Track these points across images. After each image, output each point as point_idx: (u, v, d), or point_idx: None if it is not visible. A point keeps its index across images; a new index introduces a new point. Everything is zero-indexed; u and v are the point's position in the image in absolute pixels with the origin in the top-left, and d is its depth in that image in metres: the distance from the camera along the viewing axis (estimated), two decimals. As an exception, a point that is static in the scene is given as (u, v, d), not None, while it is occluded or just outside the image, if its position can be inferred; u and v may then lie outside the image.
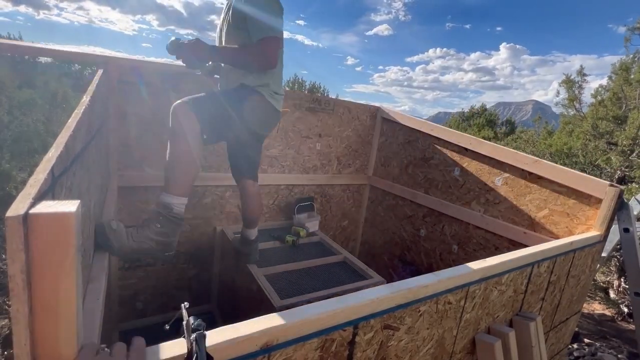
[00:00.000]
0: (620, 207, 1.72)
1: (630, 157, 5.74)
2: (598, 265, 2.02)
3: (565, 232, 1.85)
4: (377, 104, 3.01)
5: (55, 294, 0.47)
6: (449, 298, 1.11)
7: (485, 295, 1.26)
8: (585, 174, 1.80)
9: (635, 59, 6.74)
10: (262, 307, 1.64)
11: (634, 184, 5.22)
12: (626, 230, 1.77)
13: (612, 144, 6.21)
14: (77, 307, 0.49)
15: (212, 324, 0.64)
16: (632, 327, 3.31)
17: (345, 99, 2.95)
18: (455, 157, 2.38)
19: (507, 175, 2.09)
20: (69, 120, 0.85)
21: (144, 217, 1.52)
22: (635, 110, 6.08)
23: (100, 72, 1.54)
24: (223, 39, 1.64)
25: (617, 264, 4.05)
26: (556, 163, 3.26)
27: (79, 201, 0.49)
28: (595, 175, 4.00)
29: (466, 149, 2.29)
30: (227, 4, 1.64)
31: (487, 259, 1.25)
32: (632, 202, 2.05)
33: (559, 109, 7.81)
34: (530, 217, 1.98)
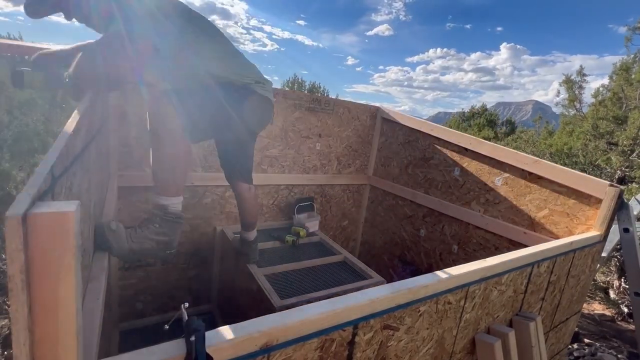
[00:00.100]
0: (620, 207, 1.72)
1: (630, 157, 5.74)
2: (598, 265, 2.02)
3: (565, 232, 1.85)
4: (377, 104, 3.01)
5: (55, 294, 0.47)
6: (448, 298, 1.11)
7: (485, 295, 1.26)
8: (585, 174, 1.80)
9: (636, 58, 6.74)
10: (262, 307, 1.64)
11: (634, 184, 5.22)
12: (626, 230, 1.77)
13: (612, 144, 6.21)
14: (76, 307, 0.49)
15: (212, 324, 0.64)
16: (632, 327, 3.30)
17: (345, 99, 2.95)
18: (455, 157, 2.37)
19: (507, 175, 2.09)
20: (69, 120, 0.85)
21: (144, 217, 1.47)
22: (635, 110, 6.08)
23: None
24: None
25: (617, 264, 4.05)
26: (556, 163, 3.26)
27: (79, 201, 0.49)
28: (596, 175, 4.00)
29: (466, 149, 2.29)
30: None
31: (487, 259, 1.25)
32: (632, 202, 2.05)
33: (559, 109, 7.82)
34: (530, 217, 1.98)
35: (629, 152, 5.78)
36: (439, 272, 1.09)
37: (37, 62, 1.36)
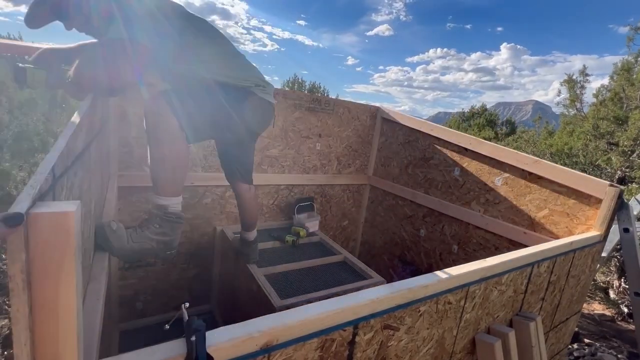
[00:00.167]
0: (620, 207, 1.72)
1: (630, 158, 5.74)
2: (598, 265, 2.02)
3: (565, 232, 1.85)
4: (377, 104, 3.01)
5: (55, 294, 0.47)
6: (449, 298, 1.11)
7: (485, 295, 1.26)
8: (585, 174, 1.80)
9: (638, 59, 6.74)
10: (262, 307, 1.64)
11: (634, 184, 5.22)
12: (626, 230, 1.77)
13: (612, 144, 6.21)
14: (77, 307, 0.49)
15: (212, 324, 0.64)
16: (632, 327, 3.30)
17: (345, 99, 2.95)
18: (455, 157, 2.37)
19: (507, 175, 2.09)
20: (70, 120, 0.85)
21: (144, 217, 1.49)
22: (636, 110, 6.08)
23: None
24: None
25: (617, 264, 4.05)
26: (557, 163, 3.26)
27: (79, 201, 0.49)
28: (596, 176, 4.00)
29: (466, 149, 2.29)
30: None
31: (487, 259, 1.25)
32: (632, 202, 2.05)
33: (560, 109, 7.82)
34: (530, 217, 1.98)
35: (629, 152, 5.78)
36: (439, 272, 1.09)
37: (40, 59, 1.36)
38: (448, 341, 1.20)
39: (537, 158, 1.97)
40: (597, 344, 2.93)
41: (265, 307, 1.60)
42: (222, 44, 1.52)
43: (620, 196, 1.68)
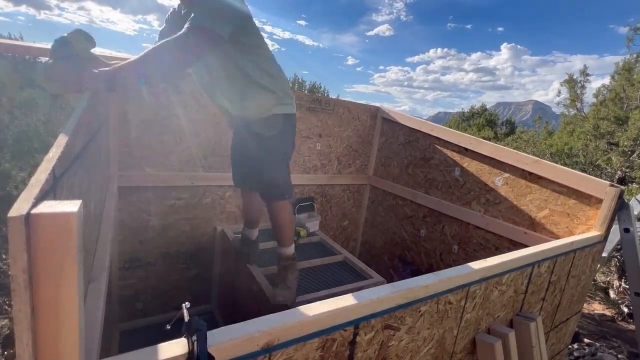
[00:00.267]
0: (621, 207, 1.72)
1: (631, 158, 5.74)
2: (598, 265, 2.02)
3: (566, 232, 1.85)
4: (377, 104, 3.01)
5: (57, 294, 0.47)
6: (449, 298, 1.11)
7: (486, 295, 1.26)
8: (585, 174, 1.80)
9: (638, 59, 6.74)
10: (262, 307, 1.64)
11: (634, 184, 5.22)
12: (626, 230, 1.77)
13: (613, 144, 6.21)
14: (78, 306, 0.49)
15: (212, 324, 0.64)
16: (632, 327, 3.30)
17: (346, 99, 2.95)
18: (456, 157, 2.38)
19: (507, 175, 2.09)
20: (69, 120, 0.85)
21: (279, 271, 1.69)
22: (637, 110, 6.08)
23: None
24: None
25: (618, 264, 4.05)
26: (557, 163, 3.26)
27: (81, 201, 0.49)
28: (596, 176, 3.99)
29: (466, 149, 2.29)
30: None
31: (488, 259, 1.25)
32: (633, 203, 2.05)
33: (560, 109, 7.82)
34: (531, 217, 1.98)
35: (629, 152, 5.78)
36: (439, 272, 1.09)
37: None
38: (448, 341, 1.20)
39: (538, 158, 1.97)
40: (597, 344, 2.93)
41: (265, 307, 1.60)
42: (266, 47, 1.50)
43: (620, 196, 1.68)
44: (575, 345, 2.87)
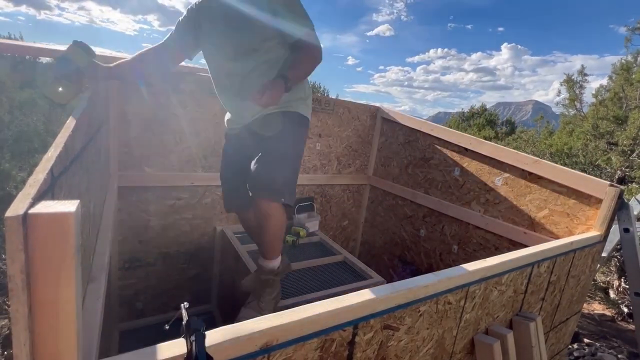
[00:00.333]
0: (621, 207, 1.71)
1: (630, 157, 5.74)
2: (598, 265, 2.02)
3: (566, 232, 1.85)
4: (377, 104, 3.01)
5: (55, 294, 0.47)
6: (448, 298, 1.11)
7: (485, 295, 1.26)
8: (585, 174, 1.80)
9: (637, 59, 6.74)
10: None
11: (634, 184, 5.21)
12: (626, 230, 1.77)
13: (612, 144, 6.21)
14: (76, 307, 0.49)
15: (212, 324, 0.64)
16: (632, 327, 3.30)
17: (346, 99, 2.95)
18: (455, 157, 2.37)
19: (507, 175, 2.09)
20: (68, 120, 0.85)
21: (257, 286, 1.47)
22: (636, 110, 6.08)
23: None
24: (220, 48, 1.43)
25: (617, 264, 4.05)
26: (556, 163, 3.26)
27: (79, 201, 0.49)
28: (596, 175, 3.99)
29: (466, 149, 2.29)
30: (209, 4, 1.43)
31: (487, 259, 1.25)
32: (632, 202, 2.05)
33: (560, 109, 7.82)
34: (531, 217, 1.98)
35: (629, 152, 5.78)
36: (439, 272, 1.09)
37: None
38: (448, 341, 1.20)
39: (537, 158, 1.97)
40: (597, 344, 2.93)
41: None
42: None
43: (620, 196, 1.68)
44: (575, 345, 2.87)
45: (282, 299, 1.59)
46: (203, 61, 1.58)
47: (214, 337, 0.67)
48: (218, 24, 1.40)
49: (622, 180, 5.74)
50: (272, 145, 1.38)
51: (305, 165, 2.69)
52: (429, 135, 2.54)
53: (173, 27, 1.55)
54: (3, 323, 2.34)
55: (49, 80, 1.19)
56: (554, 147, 7.20)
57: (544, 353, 1.49)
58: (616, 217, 1.74)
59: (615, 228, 1.79)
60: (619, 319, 3.49)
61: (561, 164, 3.48)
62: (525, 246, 1.73)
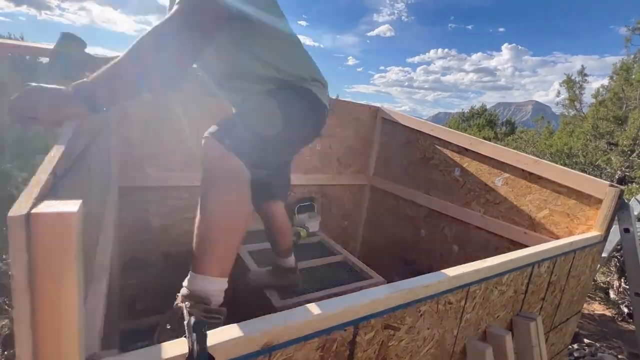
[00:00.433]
0: (621, 207, 1.72)
1: (630, 158, 5.74)
2: (598, 265, 2.02)
3: (566, 233, 1.85)
4: (377, 104, 3.01)
5: (57, 294, 0.47)
6: (449, 298, 1.11)
7: (486, 295, 1.26)
8: (585, 174, 1.80)
9: (636, 59, 6.75)
10: (262, 307, 1.64)
11: (634, 184, 5.22)
12: (626, 230, 1.77)
13: (612, 144, 6.21)
14: (78, 307, 0.49)
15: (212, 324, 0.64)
16: (632, 327, 3.30)
17: (346, 99, 2.95)
18: (456, 157, 2.38)
19: (507, 175, 2.09)
20: (72, 121, 0.85)
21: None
22: (635, 110, 6.08)
23: None
24: None
25: (618, 264, 4.05)
26: (556, 163, 3.26)
27: (81, 201, 0.49)
28: (596, 176, 4.00)
29: (466, 149, 2.29)
30: None
31: (488, 259, 1.25)
32: (633, 203, 2.05)
33: (560, 109, 7.84)
34: (531, 217, 1.98)
35: (629, 152, 5.78)
36: (439, 272, 1.09)
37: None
38: (448, 341, 1.20)
39: (537, 158, 1.97)
40: (598, 344, 2.93)
41: (265, 307, 1.60)
42: (282, 23, 1.14)
43: (620, 196, 1.69)
44: (575, 346, 2.87)
45: (282, 299, 1.59)
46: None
47: (215, 336, 0.67)
48: None
49: (622, 181, 5.74)
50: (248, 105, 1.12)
51: (305, 166, 2.69)
52: (429, 135, 2.54)
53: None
54: (3, 323, 2.34)
55: (50, 79, 1.15)
56: (554, 148, 7.21)
57: (544, 353, 1.49)
58: (616, 217, 1.74)
59: (615, 228, 1.79)
60: (619, 319, 3.49)
61: (561, 164, 3.48)
62: (526, 246, 1.73)
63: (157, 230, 2.15)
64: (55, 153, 0.64)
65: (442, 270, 1.11)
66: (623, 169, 5.82)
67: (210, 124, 1.14)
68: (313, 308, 0.82)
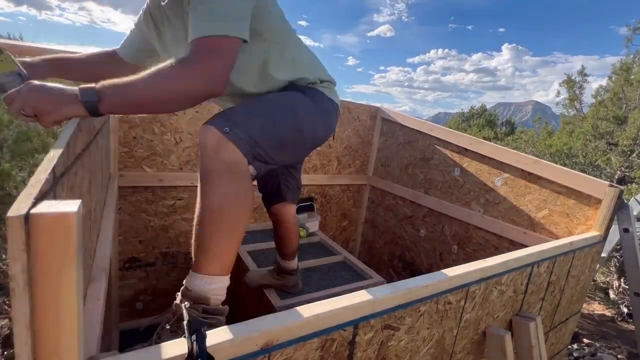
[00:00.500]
0: (620, 207, 1.72)
1: (630, 158, 5.74)
2: (598, 265, 2.02)
3: (565, 233, 1.85)
4: (377, 105, 3.01)
5: (56, 294, 0.47)
6: (449, 298, 1.11)
7: (485, 295, 1.26)
8: (585, 174, 1.80)
9: (636, 59, 6.75)
10: (262, 307, 1.64)
11: (633, 184, 5.22)
12: (626, 230, 1.77)
13: (612, 144, 6.22)
14: (77, 307, 0.49)
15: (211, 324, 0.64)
16: (632, 327, 3.30)
17: (346, 99, 2.95)
18: (455, 157, 2.38)
19: (507, 175, 2.10)
20: (71, 120, 0.85)
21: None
22: (635, 110, 6.09)
23: None
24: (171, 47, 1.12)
25: (617, 264, 4.05)
26: (556, 163, 3.26)
27: (80, 201, 0.49)
28: (595, 176, 4.00)
29: (466, 149, 2.29)
30: None
31: (487, 259, 1.25)
32: (632, 203, 2.06)
33: (560, 109, 7.84)
34: (530, 217, 1.98)
35: (628, 152, 5.78)
36: (439, 272, 1.09)
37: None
38: (448, 341, 1.20)
39: (537, 158, 1.97)
40: (597, 344, 2.93)
41: (265, 307, 1.60)
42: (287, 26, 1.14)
43: (620, 196, 1.69)
44: (575, 346, 2.87)
45: (282, 299, 1.59)
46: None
47: (214, 336, 0.67)
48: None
49: (621, 181, 5.74)
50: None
51: (305, 166, 2.69)
52: (429, 135, 2.54)
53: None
54: (3, 323, 2.34)
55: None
56: (553, 148, 7.21)
57: (543, 353, 1.50)
58: (616, 217, 1.74)
59: (615, 228, 1.79)
60: (619, 319, 3.49)
61: (561, 164, 3.48)
62: (525, 246, 1.73)
63: (156, 230, 2.15)
64: (55, 153, 0.64)
65: (442, 270, 1.11)
66: (623, 169, 5.82)
67: None
68: (313, 308, 0.82)
